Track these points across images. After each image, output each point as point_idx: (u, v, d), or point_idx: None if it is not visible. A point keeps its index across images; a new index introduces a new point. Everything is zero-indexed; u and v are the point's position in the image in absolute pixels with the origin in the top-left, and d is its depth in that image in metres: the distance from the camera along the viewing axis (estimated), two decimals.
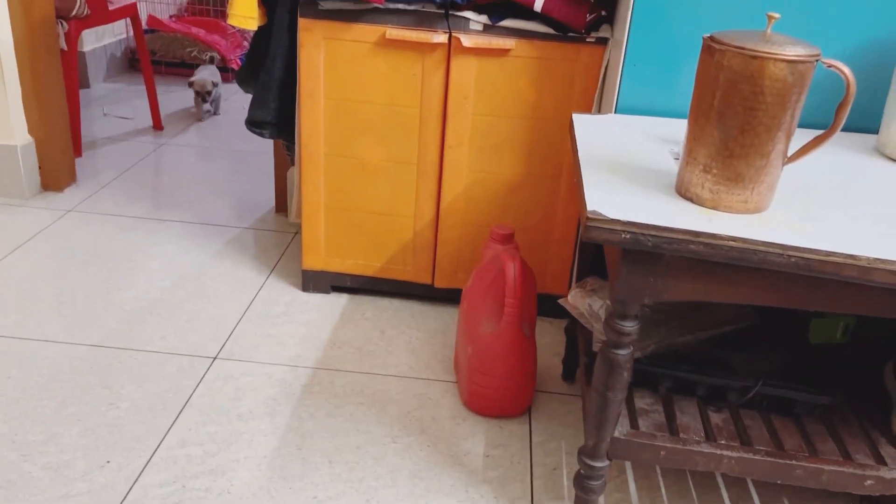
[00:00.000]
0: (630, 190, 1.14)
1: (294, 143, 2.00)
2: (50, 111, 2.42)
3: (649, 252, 1.04)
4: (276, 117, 1.92)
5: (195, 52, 3.96)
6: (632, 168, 1.22)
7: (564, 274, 1.94)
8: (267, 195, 2.62)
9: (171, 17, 4.19)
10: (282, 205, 2.49)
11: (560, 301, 1.47)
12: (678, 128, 1.43)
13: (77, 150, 2.73)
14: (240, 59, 4.06)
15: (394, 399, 1.64)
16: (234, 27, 4.19)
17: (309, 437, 1.51)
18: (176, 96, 3.66)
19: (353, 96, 1.80)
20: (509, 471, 1.47)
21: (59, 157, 2.49)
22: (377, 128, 1.83)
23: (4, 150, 2.36)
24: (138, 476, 1.37)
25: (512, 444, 1.54)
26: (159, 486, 1.35)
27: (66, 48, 2.63)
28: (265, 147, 3.05)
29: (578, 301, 1.38)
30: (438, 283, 1.98)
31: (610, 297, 1.14)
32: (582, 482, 1.26)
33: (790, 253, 0.99)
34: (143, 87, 3.15)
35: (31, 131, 2.41)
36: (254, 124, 1.94)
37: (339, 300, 2.02)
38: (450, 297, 2.01)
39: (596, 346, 1.35)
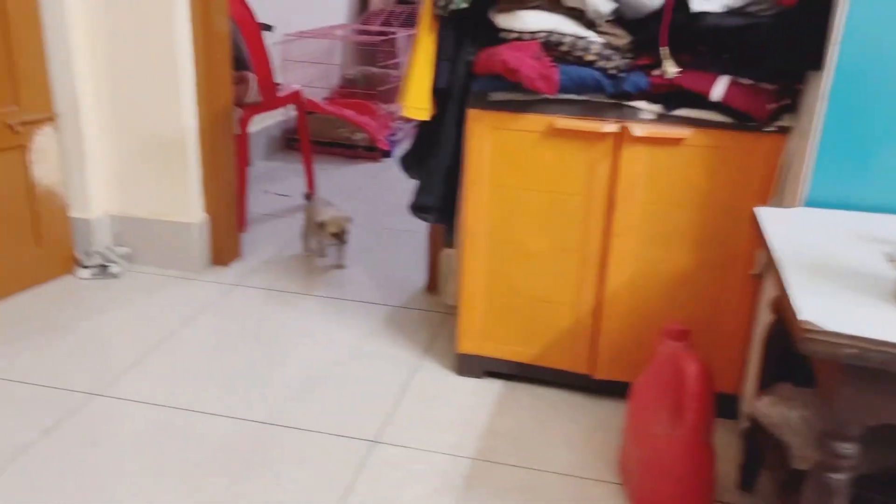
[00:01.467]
0: (844, 297, 1.05)
1: (454, 227, 2.03)
2: (223, 191, 2.59)
3: (877, 370, 0.94)
4: (441, 203, 1.96)
5: (346, 133, 4.17)
6: (840, 270, 1.13)
7: (734, 370, 1.82)
8: (417, 274, 2.66)
9: (324, 99, 4.45)
10: (433, 285, 2.52)
11: (753, 410, 1.37)
12: (884, 224, 1.33)
13: (241, 227, 2.90)
14: (388, 139, 4.23)
15: (558, 500, 1.57)
16: (383, 109, 4.40)
17: None
18: (327, 174, 3.85)
19: (517, 183, 1.81)
20: None
21: (228, 233, 2.65)
22: (540, 215, 1.82)
23: (183, 226, 2.54)
24: None
25: None
26: None
27: (238, 132, 2.83)
28: (415, 226, 3.12)
29: (772, 410, 1.27)
30: (598, 375, 1.91)
31: (824, 414, 1.04)
32: None
33: None
34: (299, 166, 3.31)
35: (206, 209, 2.59)
36: (419, 209, 1.99)
37: (494, 386, 1.98)
38: (610, 389, 1.93)
39: (799, 463, 1.23)
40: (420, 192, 1.98)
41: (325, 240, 2.61)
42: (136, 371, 1.97)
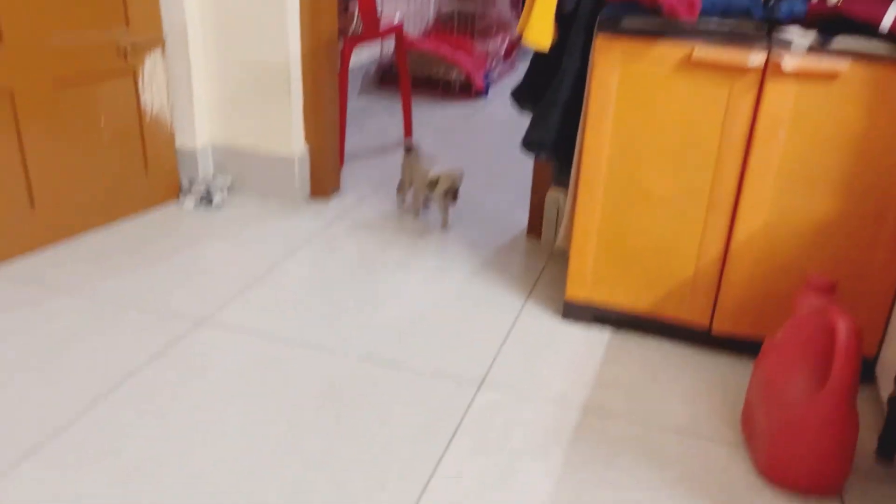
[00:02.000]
0: None
1: (568, 168, 1.92)
2: (325, 123, 2.54)
3: None
4: (556, 139, 1.84)
5: (441, 71, 4.06)
6: None
7: (875, 332, 1.67)
8: (518, 217, 2.57)
9: (419, 36, 4.33)
10: (535, 228, 2.42)
11: None
12: None
13: (340, 161, 2.86)
14: (484, 78, 4.10)
15: (675, 457, 1.48)
16: (479, 47, 4.25)
17: (588, 488, 1.39)
18: (421, 113, 3.76)
19: (644, 120, 1.67)
20: None
21: (328, 166, 2.61)
22: (667, 155, 1.68)
23: (284, 158, 2.51)
24: (417, 503, 1.33)
25: None
26: None
27: (340, 64, 2.77)
28: (513, 168, 3.02)
29: None
30: (717, 329, 1.79)
31: None
32: None
33: None
34: (391, 103, 3.23)
35: (307, 141, 2.55)
36: (530, 145, 1.88)
37: (602, 335, 1.89)
38: (728, 344, 1.81)
39: None
40: (534, 126, 1.87)
41: (434, 198, 2.38)
42: (240, 301, 1.97)
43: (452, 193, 2.32)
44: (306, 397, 1.60)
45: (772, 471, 1.39)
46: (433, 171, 2.34)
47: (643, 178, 1.73)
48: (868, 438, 1.53)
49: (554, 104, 1.81)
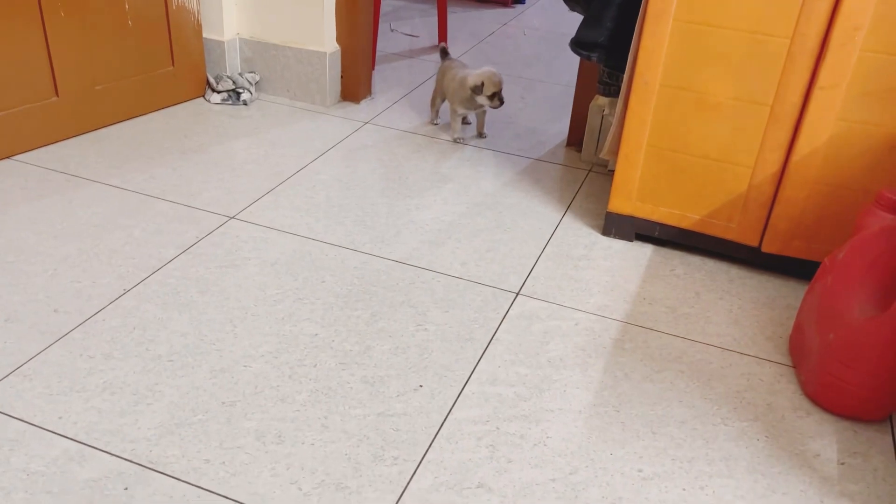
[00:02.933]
0: None
1: (620, 73, 1.80)
2: (358, 21, 2.42)
3: None
4: (609, 39, 1.72)
5: None
6: None
7: None
8: (557, 127, 2.46)
9: None
10: (576, 139, 2.32)
11: None
12: None
13: (372, 64, 2.74)
14: None
15: (719, 374, 1.43)
16: None
17: (626, 400, 1.35)
18: (456, 17, 3.60)
19: (709, 19, 1.55)
20: (873, 488, 1.21)
21: (360, 68, 2.49)
22: (731, 59, 1.57)
23: (315, 55, 2.40)
24: (451, 408, 1.30)
25: (873, 456, 1.27)
26: (473, 423, 1.27)
27: None
28: (552, 77, 2.89)
29: None
30: (767, 248, 1.71)
31: None
32: None
33: None
34: (425, 6, 3.09)
35: (338, 40, 2.43)
36: (582, 46, 1.77)
37: (644, 250, 1.82)
38: (778, 265, 1.73)
39: None
40: (585, 26, 1.75)
41: (480, 103, 2.22)
42: (271, 199, 1.90)
43: (499, 96, 2.18)
44: (339, 297, 1.56)
45: (821, 393, 1.34)
46: (475, 75, 2.20)
47: (702, 84, 1.61)
48: None
49: (610, 2, 1.68)
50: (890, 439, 1.31)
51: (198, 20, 2.36)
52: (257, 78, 2.48)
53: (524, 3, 3.94)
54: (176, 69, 2.34)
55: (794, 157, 1.60)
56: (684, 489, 1.18)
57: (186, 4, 2.30)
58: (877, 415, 1.32)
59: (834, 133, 1.55)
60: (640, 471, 1.21)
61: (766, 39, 1.53)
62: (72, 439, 1.17)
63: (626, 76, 1.75)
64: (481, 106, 2.25)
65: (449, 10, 3.55)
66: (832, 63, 1.49)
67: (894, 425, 1.34)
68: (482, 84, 2.16)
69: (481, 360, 1.42)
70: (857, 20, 1.44)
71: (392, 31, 3.32)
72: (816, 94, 1.53)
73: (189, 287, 1.55)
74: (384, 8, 3.69)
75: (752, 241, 1.72)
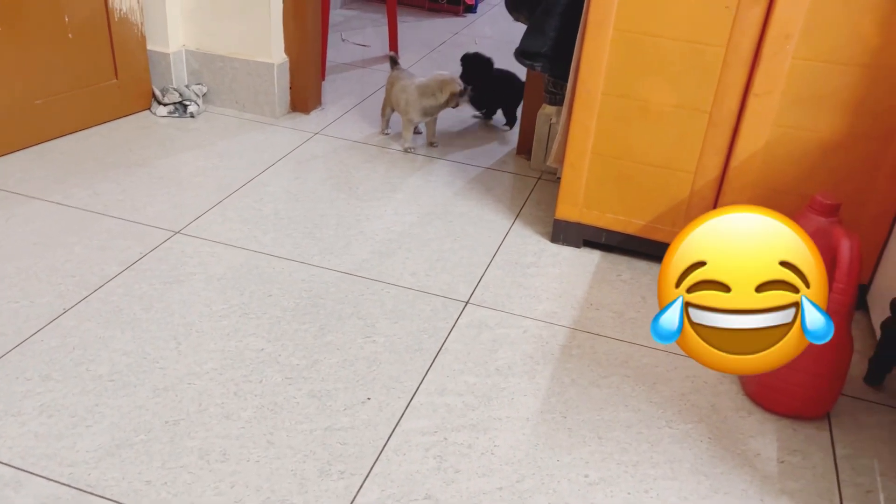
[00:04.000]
0: None
1: (563, 81, 1.83)
2: (306, 32, 2.41)
3: None
4: (553, 49, 1.75)
5: None
6: None
7: (870, 258, 1.64)
8: (505, 136, 2.48)
9: None
10: (525, 147, 2.34)
11: None
12: None
13: (322, 74, 2.73)
14: None
15: (664, 377, 1.45)
16: None
17: (573, 406, 1.36)
18: (407, 27, 3.61)
19: (648, 29, 1.58)
20: (812, 485, 1.24)
21: (309, 78, 2.48)
22: (670, 67, 1.60)
23: (263, 67, 2.38)
24: (399, 419, 1.29)
25: (812, 453, 1.30)
26: (421, 434, 1.27)
27: None
28: None
29: None
30: None
31: None
32: None
33: None
34: (377, 16, 3.09)
35: (286, 51, 2.42)
36: (526, 55, 1.78)
37: (592, 256, 1.84)
38: None
39: None
40: (529, 35, 1.77)
41: (435, 111, 2.26)
42: (218, 212, 1.88)
43: (465, 93, 2.21)
44: (287, 310, 1.54)
45: (761, 393, 1.37)
46: (432, 78, 2.22)
47: (643, 92, 1.64)
48: (855, 363, 1.51)
49: (551, 11, 1.71)
50: (828, 436, 1.34)
51: (141, 32, 2.32)
52: (205, 90, 2.45)
53: (476, 12, 3.97)
54: (120, 82, 2.30)
55: (734, 163, 1.64)
56: (629, 493, 1.19)
57: (129, 17, 2.27)
58: (815, 412, 1.36)
59: (770, 138, 1.59)
60: (586, 476, 1.22)
61: (703, 48, 1.56)
62: (6, 464, 1.14)
63: (569, 85, 1.77)
64: (440, 110, 2.26)
65: (400, 19, 3.55)
66: (766, 70, 1.53)
67: (832, 422, 1.37)
68: (445, 81, 2.20)
69: (430, 370, 1.42)
70: (787, 29, 1.48)
71: (343, 41, 3.31)
72: (752, 100, 1.57)
73: (132, 304, 1.52)
74: (336, 18, 3.68)
75: None
